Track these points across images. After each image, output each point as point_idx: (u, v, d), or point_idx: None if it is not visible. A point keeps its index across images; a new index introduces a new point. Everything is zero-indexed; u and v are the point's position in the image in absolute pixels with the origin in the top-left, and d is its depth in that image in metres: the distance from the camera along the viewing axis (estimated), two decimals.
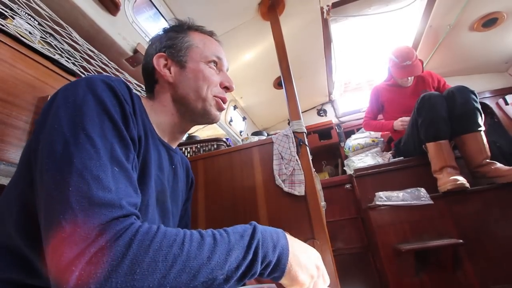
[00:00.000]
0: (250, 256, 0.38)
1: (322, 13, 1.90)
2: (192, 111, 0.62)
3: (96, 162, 0.35)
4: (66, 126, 0.37)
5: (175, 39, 0.64)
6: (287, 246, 0.43)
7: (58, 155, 0.35)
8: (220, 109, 0.65)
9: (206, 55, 0.64)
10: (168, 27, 0.69)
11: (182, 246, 0.34)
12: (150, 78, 0.64)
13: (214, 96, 0.63)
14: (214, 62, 0.64)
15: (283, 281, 0.42)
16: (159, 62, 0.62)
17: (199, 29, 0.68)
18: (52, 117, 0.39)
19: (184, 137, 1.92)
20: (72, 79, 0.99)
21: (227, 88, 0.66)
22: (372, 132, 2.45)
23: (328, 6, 1.86)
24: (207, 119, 0.64)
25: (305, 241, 1.07)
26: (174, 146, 0.67)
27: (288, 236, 0.46)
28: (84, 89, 0.41)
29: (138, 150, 0.48)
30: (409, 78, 2.00)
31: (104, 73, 1.13)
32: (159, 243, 0.32)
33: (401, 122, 1.94)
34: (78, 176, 0.33)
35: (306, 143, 1.26)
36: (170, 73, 0.62)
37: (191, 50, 0.63)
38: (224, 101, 0.65)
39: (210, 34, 0.70)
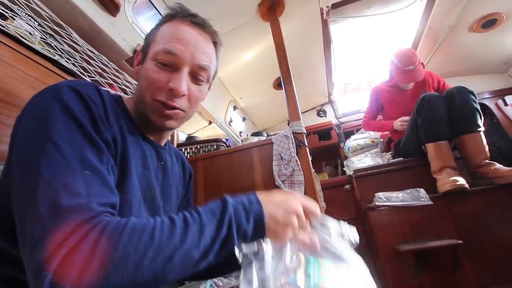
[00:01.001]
0: (224, 231, 0.40)
1: (322, 14, 1.90)
2: (142, 114, 0.57)
3: (65, 169, 0.36)
4: (33, 136, 0.38)
5: (149, 33, 0.61)
6: (261, 210, 0.44)
7: (27, 166, 0.36)
8: (162, 115, 0.54)
9: (156, 50, 0.55)
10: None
11: (153, 234, 0.35)
12: None
13: (155, 100, 0.54)
14: (164, 59, 0.53)
15: (268, 237, 0.43)
16: (136, 58, 0.61)
17: (174, 17, 0.58)
18: (21, 127, 0.41)
19: (184, 137, 1.92)
20: (72, 79, 0.99)
21: (172, 92, 0.53)
22: (372, 133, 2.46)
23: (327, 7, 1.86)
24: (151, 124, 0.57)
25: None
26: (162, 142, 0.65)
27: (262, 196, 0.46)
28: (50, 97, 0.42)
29: (115, 150, 0.47)
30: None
31: (104, 74, 1.14)
32: (129, 236, 0.33)
33: (401, 122, 1.94)
34: (46, 185, 0.34)
35: (306, 144, 1.26)
36: (138, 70, 0.60)
37: (152, 44, 0.57)
38: (167, 106, 0.54)
39: (184, 19, 0.58)
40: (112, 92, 1.15)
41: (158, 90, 0.54)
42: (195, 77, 0.57)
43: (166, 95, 0.54)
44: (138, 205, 0.50)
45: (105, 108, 0.47)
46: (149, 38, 0.59)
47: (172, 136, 1.59)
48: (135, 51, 1.35)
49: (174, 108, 0.55)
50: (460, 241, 1.28)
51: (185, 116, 0.59)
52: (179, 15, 0.58)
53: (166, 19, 0.59)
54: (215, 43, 0.62)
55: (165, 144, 0.67)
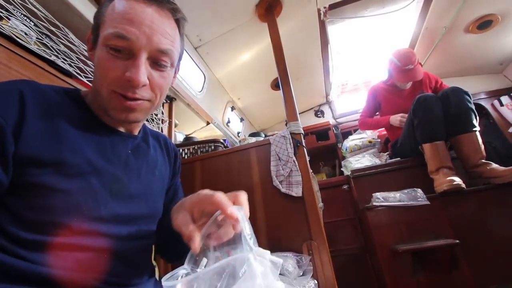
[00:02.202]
0: None
1: (319, 15, 1.91)
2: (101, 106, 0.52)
3: None
4: None
5: (97, 11, 0.51)
6: None
7: None
8: (123, 108, 0.48)
9: (105, 34, 0.46)
10: None
11: None
12: None
13: (113, 91, 0.47)
14: (116, 44, 0.45)
15: None
16: (88, 41, 0.53)
17: None
18: None
19: (182, 138, 1.92)
20: (68, 80, 0.99)
21: (130, 82, 0.46)
22: (369, 133, 2.47)
23: (325, 8, 1.87)
24: (112, 118, 0.51)
25: (302, 242, 1.08)
26: (135, 131, 0.60)
27: None
28: None
29: (43, 151, 0.43)
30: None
31: None
32: None
33: (401, 117, 1.92)
34: None
35: (304, 144, 1.26)
36: (92, 57, 0.52)
37: (101, 27, 0.48)
38: (127, 97, 0.47)
39: None
40: None
41: (114, 81, 0.47)
42: (156, 63, 0.49)
43: (125, 86, 0.47)
44: (94, 204, 0.47)
45: (24, 112, 0.43)
46: (98, 18, 0.50)
47: (170, 136, 1.59)
48: None
49: (136, 99, 0.48)
50: (457, 241, 1.29)
51: (152, 106, 0.53)
52: None
53: None
54: (177, 21, 0.53)
55: (139, 132, 0.62)
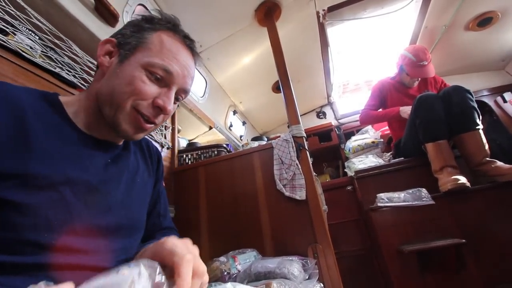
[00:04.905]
0: None
1: (318, 17, 1.92)
2: (105, 116, 0.53)
3: None
4: None
5: (136, 31, 0.55)
6: None
7: None
8: (138, 127, 0.53)
9: (151, 61, 0.52)
10: (143, 16, 0.58)
11: None
12: (97, 64, 0.57)
13: (135, 109, 0.51)
14: (159, 74, 0.52)
15: None
16: (103, 47, 0.55)
17: (172, 30, 0.56)
18: None
19: (185, 144, 1.93)
20: (73, 91, 1.01)
21: (159, 109, 0.52)
22: (372, 133, 2.46)
23: (324, 10, 1.88)
24: (118, 133, 0.53)
25: (307, 245, 1.08)
26: (117, 141, 0.59)
27: None
28: None
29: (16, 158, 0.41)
30: (418, 78, 2.00)
31: None
32: None
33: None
34: None
35: (306, 147, 1.27)
36: (108, 63, 0.54)
37: (141, 48, 0.53)
38: (149, 121, 0.53)
39: (183, 40, 0.57)
40: None
41: (142, 101, 0.51)
42: (176, 97, 0.57)
43: (152, 110, 0.52)
44: (67, 217, 0.43)
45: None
46: (138, 39, 0.54)
47: (173, 142, 1.60)
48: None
49: (153, 123, 0.54)
50: (463, 240, 1.28)
51: (155, 128, 0.58)
52: (176, 30, 0.57)
53: (163, 27, 0.56)
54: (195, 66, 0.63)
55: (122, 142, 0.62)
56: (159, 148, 1.47)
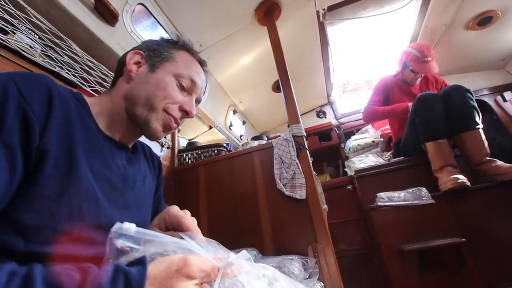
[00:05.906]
0: None
1: (318, 16, 1.92)
2: (136, 115, 0.58)
3: None
4: None
5: (161, 47, 0.64)
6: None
7: None
8: (166, 127, 0.60)
9: (180, 72, 0.62)
10: (167, 37, 0.69)
11: None
12: (118, 71, 0.64)
13: (166, 111, 0.59)
14: (185, 83, 0.62)
15: None
16: (132, 56, 0.62)
17: (191, 52, 0.68)
18: None
19: (185, 143, 1.93)
20: (73, 90, 1.00)
21: (186, 113, 0.62)
22: (371, 132, 2.46)
23: (323, 9, 1.88)
24: (146, 131, 0.59)
25: (307, 244, 1.08)
26: (130, 144, 0.64)
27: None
28: None
29: (61, 153, 0.44)
30: (421, 75, 2.01)
31: (105, 83, 1.15)
32: None
33: None
34: None
35: (306, 146, 1.27)
36: (136, 71, 0.61)
37: (169, 61, 0.62)
38: (175, 121, 0.61)
39: (200, 61, 0.69)
40: None
41: (172, 105, 0.60)
42: None
43: (180, 113, 0.62)
44: (96, 210, 0.47)
45: (51, 110, 0.44)
46: (165, 52, 0.63)
47: (173, 142, 1.60)
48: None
49: (178, 124, 0.63)
50: (464, 239, 1.28)
51: None
52: (196, 55, 0.68)
53: (184, 47, 0.67)
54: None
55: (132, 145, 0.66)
56: (159, 148, 1.47)
